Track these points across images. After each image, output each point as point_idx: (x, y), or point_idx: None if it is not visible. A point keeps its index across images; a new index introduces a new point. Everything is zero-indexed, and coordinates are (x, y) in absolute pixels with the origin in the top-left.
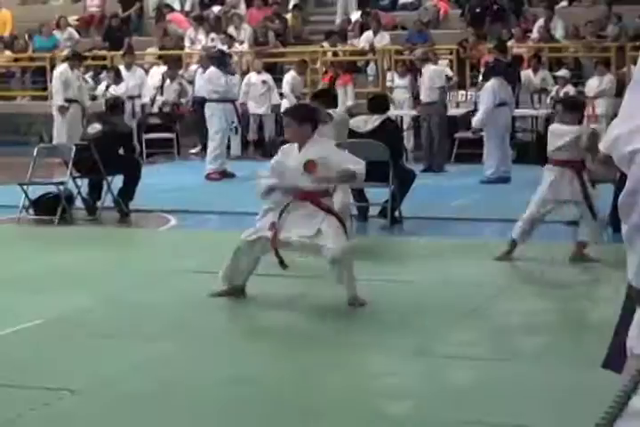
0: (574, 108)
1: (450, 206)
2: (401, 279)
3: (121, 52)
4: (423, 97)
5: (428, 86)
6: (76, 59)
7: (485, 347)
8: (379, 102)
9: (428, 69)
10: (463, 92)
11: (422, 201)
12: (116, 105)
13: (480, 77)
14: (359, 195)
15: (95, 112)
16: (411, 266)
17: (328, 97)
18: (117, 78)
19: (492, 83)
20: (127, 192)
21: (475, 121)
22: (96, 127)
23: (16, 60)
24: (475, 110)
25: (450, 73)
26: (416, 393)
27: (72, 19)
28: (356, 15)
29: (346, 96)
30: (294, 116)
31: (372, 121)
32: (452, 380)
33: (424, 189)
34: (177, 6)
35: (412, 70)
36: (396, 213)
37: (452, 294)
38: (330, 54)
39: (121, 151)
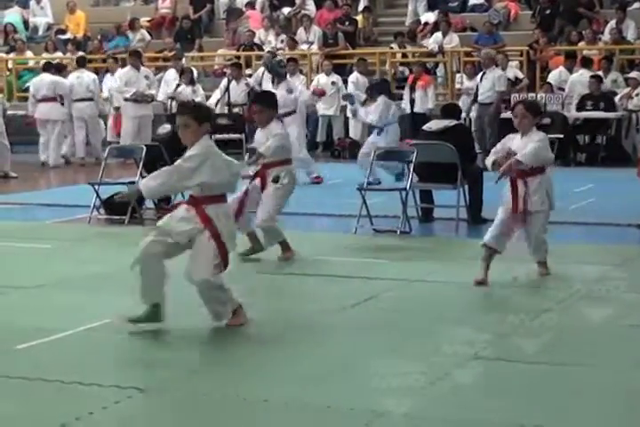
0: None
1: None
2: (450, 280)
3: (193, 53)
4: (481, 98)
5: (488, 88)
6: (133, 57)
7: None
8: (450, 109)
9: (493, 71)
10: (533, 94)
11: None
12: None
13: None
14: (426, 196)
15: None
16: (461, 267)
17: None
18: (192, 80)
19: (383, 100)
20: None
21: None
22: (166, 127)
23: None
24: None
25: (520, 75)
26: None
27: (143, 20)
28: (425, 17)
29: (426, 98)
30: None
31: (445, 122)
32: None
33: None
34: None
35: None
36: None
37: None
38: (399, 56)
39: None
